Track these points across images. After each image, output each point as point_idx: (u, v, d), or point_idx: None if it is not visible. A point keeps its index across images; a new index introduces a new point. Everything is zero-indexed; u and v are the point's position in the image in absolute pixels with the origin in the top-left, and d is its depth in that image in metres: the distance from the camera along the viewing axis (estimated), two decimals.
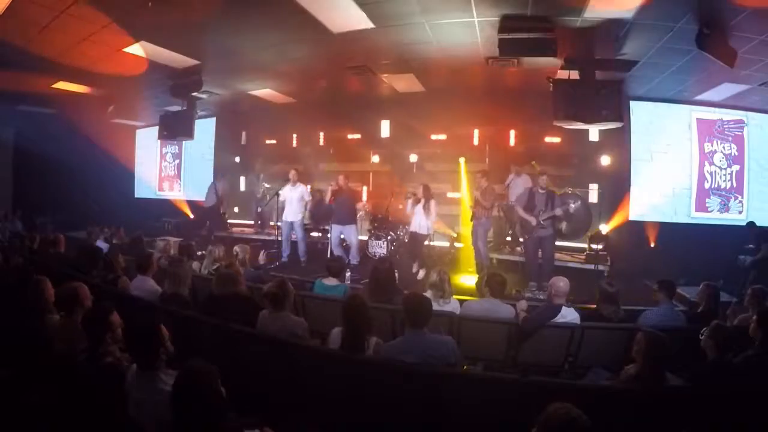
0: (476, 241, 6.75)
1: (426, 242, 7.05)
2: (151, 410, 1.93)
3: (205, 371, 1.74)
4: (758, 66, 5.15)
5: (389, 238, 7.69)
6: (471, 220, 6.87)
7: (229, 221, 10.25)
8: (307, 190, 7.68)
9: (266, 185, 9.62)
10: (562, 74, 5.33)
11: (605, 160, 7.82)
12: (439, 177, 9.18)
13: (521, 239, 7.01)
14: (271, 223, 9.63)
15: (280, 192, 7.46)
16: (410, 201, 6.89)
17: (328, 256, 7.13)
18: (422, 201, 6.69)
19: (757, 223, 6.73)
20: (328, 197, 7.36)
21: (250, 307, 3.32)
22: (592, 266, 6.70)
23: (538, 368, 3.34)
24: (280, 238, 7.76)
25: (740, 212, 7.33)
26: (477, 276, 6.10)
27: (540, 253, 6.00)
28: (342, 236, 7.34)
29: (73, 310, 2.66)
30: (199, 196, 10.62)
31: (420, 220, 6.73)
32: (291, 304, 3.22)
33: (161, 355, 2.05)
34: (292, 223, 7.39)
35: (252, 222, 10.22)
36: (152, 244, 6.64)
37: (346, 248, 7.41)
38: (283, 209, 7.46)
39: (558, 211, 5.81)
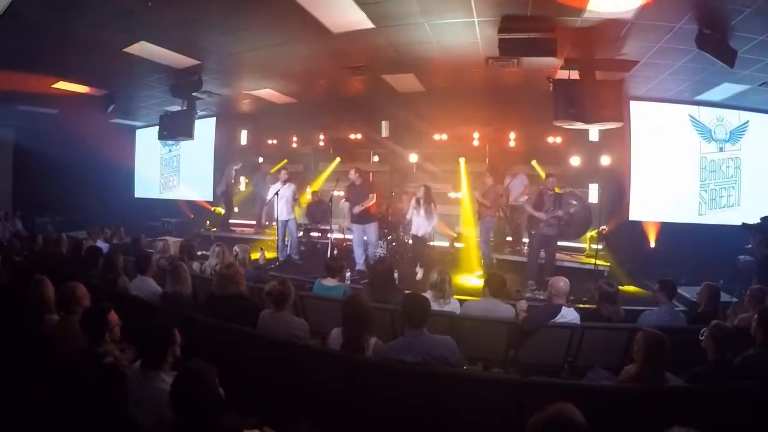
0: (480, 240, 6.85)
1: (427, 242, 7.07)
2: (152, 410, 1.93)
3: (203, 371, 1.75)
4: (758, 66, 5.13)
5: (389, 238, 7.68)
6: (477, 220, 7.01)
7: (229, 221, 10.24)
8: (293, 190, 7.60)
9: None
10: (562, 74, 5.32)
11: (605, 160, 7.82)
12: (439, 177, 9.17)
13: (525, 240, 7.15)
14: (266, 223, 9.64)
15: (278, 191, 7.38)
16: (412, 206, 6.80)
17: (355, 261, 6.88)
18: (422, 203, 6.66)
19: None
20: (342, 195, 7.27)
21: (251, 308, 3.32)
22: (592, 266, 6.70)
23: (538, 368, 3.34)
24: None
25: (740, 212, 7.31)
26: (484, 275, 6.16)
27: (543, 252, 6.24)
28: (365, 238, 7.02)
29: (72, 309, 2.67)
30: (199, 196, 10.64)
31: (421, 223, 6.71)
32: (291, 305, 3.23)
33: (169, 357, 2.05)
34: (286, 222, 7.40)
35: (253, 222, 10.21)
36: (152, 244, 6.64)
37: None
38: (271, 207, 7.42)
39: (559, 212, 6.06)
